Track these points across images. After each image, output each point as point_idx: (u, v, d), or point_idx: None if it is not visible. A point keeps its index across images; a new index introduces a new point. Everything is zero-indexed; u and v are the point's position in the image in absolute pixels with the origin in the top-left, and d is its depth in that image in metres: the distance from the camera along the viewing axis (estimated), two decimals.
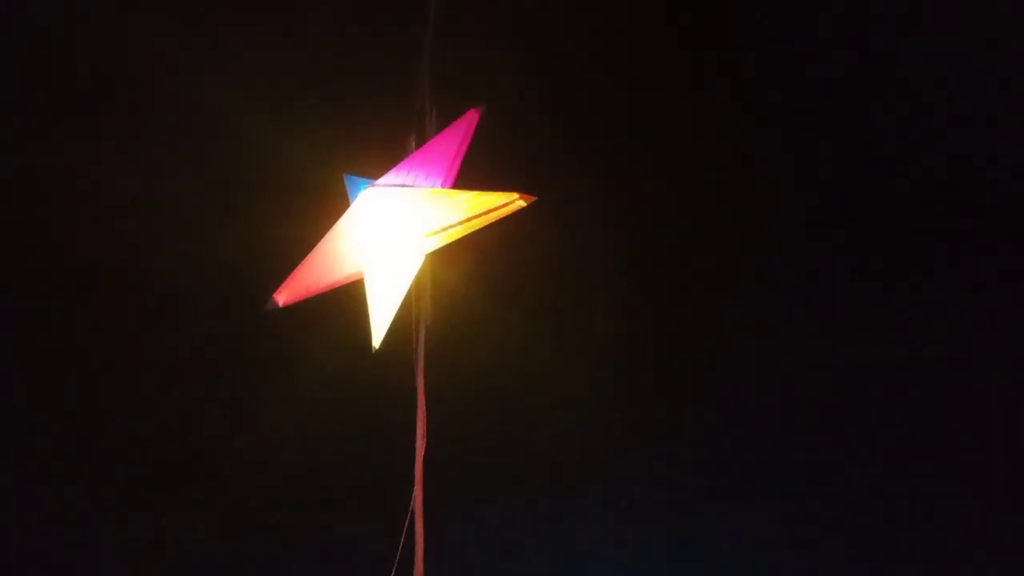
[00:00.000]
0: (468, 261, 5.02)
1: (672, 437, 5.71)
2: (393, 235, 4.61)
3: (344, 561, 5.59)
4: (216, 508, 5.55)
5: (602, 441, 5.72)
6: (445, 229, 4.56)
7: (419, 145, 4.70)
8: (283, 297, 4.67)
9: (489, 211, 4.49)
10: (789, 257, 5.80)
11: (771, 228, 5.86)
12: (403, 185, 4.58)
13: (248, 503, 5.57)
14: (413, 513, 4.53)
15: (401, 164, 4.64)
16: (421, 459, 4.62)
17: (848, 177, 5.81)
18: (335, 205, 4.68)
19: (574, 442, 5.71)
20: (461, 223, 4.54)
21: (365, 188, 4.64)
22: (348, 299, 4.70)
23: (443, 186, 4.55)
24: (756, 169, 5.82)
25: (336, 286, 4.69)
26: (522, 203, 4.44)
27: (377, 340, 4.48)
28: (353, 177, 4.69)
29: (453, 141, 4.61)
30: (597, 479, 5.72)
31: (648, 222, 5.81)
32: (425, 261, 4.60)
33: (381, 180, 4.64)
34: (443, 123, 4.70)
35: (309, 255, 4.63)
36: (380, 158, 4.70)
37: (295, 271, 4.66)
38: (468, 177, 4.59)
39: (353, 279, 4.68)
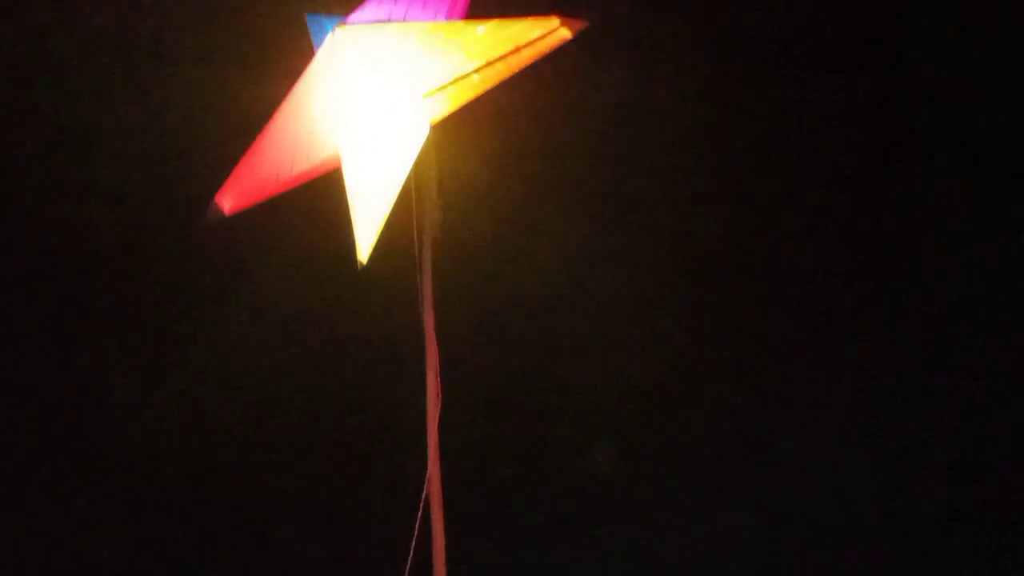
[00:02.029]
0: (492, 134, 4.62)
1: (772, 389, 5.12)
2: (379, 98, 4.00)
3: (347, 557, 5.19)
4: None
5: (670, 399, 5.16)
6: (455, 82, 3.93)
7: None
8: (229, 201, 4.14)
9: (519, 48, 3.83)
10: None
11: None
12: (388, 20, 4.02)
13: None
14: (428, 502, 4.07)
15: None
16: (436, 427, 4.05)
17: None
18: (293, 60, 4.14)
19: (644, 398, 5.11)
20: (478, 71, 3.92)
21: (333, 29, 4.05)
22: (320, 198, 4.18)
23: (448, 17, 4.02)
24: None
25: (303, 181, 4.15)
26: (567, 34, 3.79)
27: (363, 252, 3.90)
28: (317, 16, 4.18)
29: None
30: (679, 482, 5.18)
31: (756, 65, 5.08)
32: (428, 135, 4.00)
33: (355, 15, 4.08)
34: None
35: (259, 138, 4.09)
36: None
37: (241, 162, 4.13)
38: (483, 3, 4.05)
39: (326, 168, 4.14)
